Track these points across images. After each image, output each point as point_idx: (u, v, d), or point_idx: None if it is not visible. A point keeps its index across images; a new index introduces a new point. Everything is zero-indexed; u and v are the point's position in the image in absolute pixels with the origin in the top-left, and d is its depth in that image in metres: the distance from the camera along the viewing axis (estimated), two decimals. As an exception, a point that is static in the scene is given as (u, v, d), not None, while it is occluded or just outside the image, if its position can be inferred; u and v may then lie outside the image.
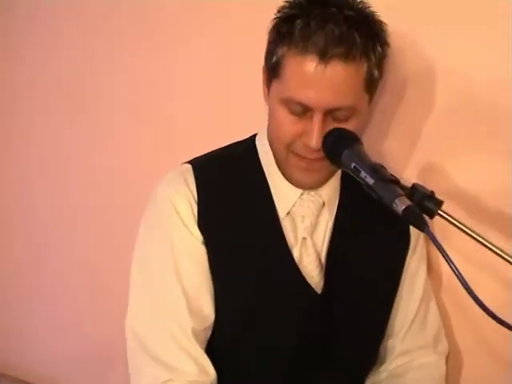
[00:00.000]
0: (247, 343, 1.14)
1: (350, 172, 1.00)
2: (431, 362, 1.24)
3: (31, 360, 1.88)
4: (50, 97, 1.76)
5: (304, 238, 1.14)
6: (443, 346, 1.27)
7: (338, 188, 1.17)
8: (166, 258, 1.10)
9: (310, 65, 0.99)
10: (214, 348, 1.14)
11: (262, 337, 1.13)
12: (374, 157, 1.04)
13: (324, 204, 1.15)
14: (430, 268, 1.28)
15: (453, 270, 0.86)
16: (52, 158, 1.78)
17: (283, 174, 1.13)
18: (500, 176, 1.20)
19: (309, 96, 1.01)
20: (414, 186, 0.96)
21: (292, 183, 1.12)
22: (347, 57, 0.99)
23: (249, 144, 1.18)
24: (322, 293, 1.13)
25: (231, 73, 1.47)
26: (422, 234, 1.22)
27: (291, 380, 1.16)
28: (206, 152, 1.20)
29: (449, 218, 0.95)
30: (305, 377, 1.16)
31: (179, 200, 1.10)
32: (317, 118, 1.02)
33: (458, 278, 0.86)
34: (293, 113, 1.04)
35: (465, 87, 1.21)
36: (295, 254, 1.13)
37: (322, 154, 1.04)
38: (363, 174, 0.97)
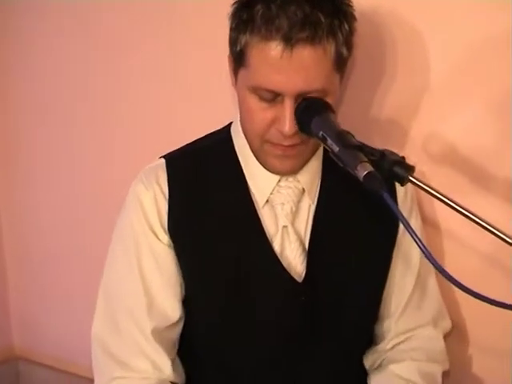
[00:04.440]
0: (227, 333, 1.11)
1: (318, 140, 0.96)
2: (429, 335, 1.19)
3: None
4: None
5: (285, 226, 1.09)
6: (445, 323, 1.22)
7: (319, 171, 1.13)
8: (130, 259, 1.09)
9: (275, 51, 0.95)
10: (195, 340, 1.13)
11: (241, 327, 1.10)
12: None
13: (304, 190, 1.11)
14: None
15: (416, 243, 0.82)
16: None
17: (259, 161, 1.09)
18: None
19: (277, 82, 0.97)
20: (384, 153, 0.91)
21: (268, 170, 1.09)
22: (313, 40, 0.95)
23: (224, 134, 1.15)
24: (304, 281, 1.09)
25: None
26: (414, 208, 1.18)
27: (277, 370, 1.12)
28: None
29: (421, 184, 0.89)
30: (293, 364, 1.12)
31: (146, 198, 1.09)
32: (288, 103, 0.98)
33: (421, 250, 0.82)
34: (263, 99, 1.00)
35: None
36: (277, 242, 1.09)
37: (296, 139, 1.01)
38: (330, 141, 0.93)
